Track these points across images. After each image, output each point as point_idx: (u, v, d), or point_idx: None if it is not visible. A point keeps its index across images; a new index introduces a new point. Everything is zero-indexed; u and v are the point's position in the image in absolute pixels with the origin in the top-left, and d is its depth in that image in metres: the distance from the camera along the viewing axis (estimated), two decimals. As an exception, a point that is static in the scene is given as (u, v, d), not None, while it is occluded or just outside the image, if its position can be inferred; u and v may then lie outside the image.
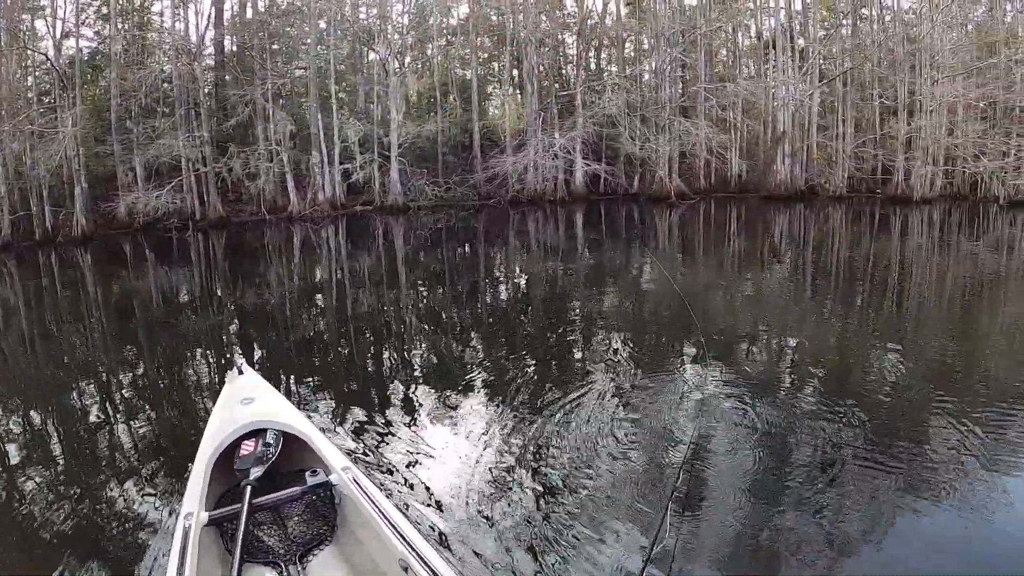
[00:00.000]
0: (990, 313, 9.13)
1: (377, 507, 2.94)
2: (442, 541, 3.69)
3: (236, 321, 10.42)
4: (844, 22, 27.45)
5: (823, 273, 12.55)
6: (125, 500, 4.32)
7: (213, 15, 23.92)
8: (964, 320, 8.81)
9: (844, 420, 5.05)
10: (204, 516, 2.99)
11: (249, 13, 24.23)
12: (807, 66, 26.18)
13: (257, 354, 8.24)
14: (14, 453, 5.34)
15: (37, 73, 22.46)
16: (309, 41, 23.47)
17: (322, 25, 23.59)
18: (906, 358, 6.82)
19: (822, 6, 27.54)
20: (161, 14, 24.22)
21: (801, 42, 26.80)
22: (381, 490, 3.33)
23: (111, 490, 4.48)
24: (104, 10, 23.29)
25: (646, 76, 26.94)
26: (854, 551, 3.55)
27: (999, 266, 12.58)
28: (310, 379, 7.08)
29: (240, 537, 2.83)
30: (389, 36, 24.22)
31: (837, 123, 26.88)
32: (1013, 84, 25.30)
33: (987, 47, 26.30)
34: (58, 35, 21.91)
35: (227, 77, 23.73)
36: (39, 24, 22.25)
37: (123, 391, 7.13)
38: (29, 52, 21.54)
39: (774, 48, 26.61)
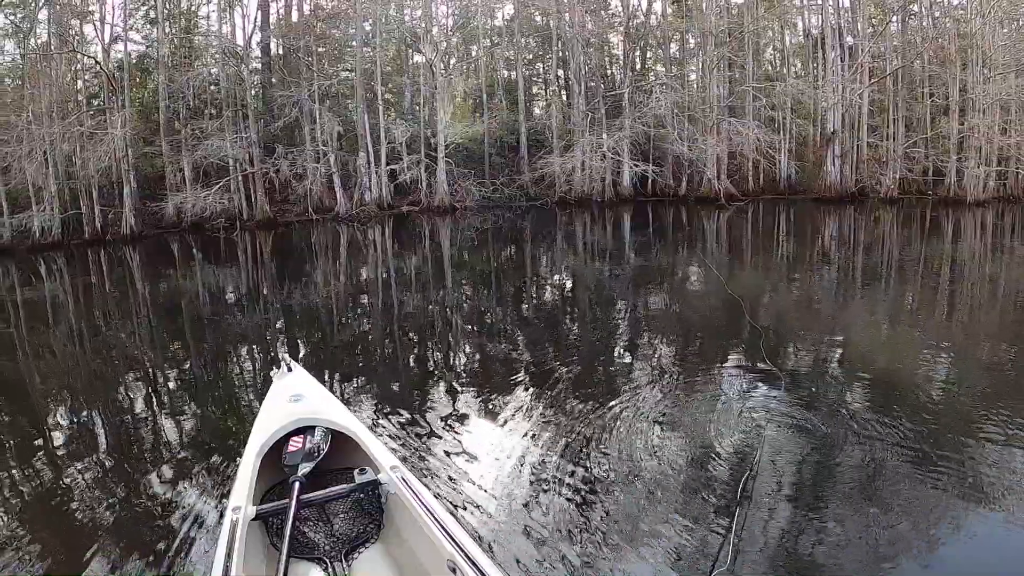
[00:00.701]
0: None
1: (426, 507, 2.89)
2: (490, 544, 3.61)
3: (283, 319, 10.32)
4: (893, 19, 26.98)
5: (879, 279, 12.13)
6: (173, 493, 4.32)
7: (259, 18, 24.05)
8: (1018, 328, 8.39)
9: (901, 430, 4.80)
10: (251, 510, 2.98)
11: (295, 16, 24.29)
12: (856, 64, 25.73)
13: (304, 352, 8.15)
14: (64, 446, 5.33)
15: (87, 76, 22.61)
16: (355, 44, 23.43)
17: (367, 27, 23.56)
18: (960, 366, 6.70)
19: (870, 2, 27.12)
20: (208, 17, 24.44)
21: (850, 40, 26.38)
22: (431, 490, 3.26)
23: (159, 483, 4.48)
24: (152, 14, 23.47)
25: (692, 76, 26.59)
26: (906, 570, 3.42)
27: None
28: (357, 377, 7.01)
29: (287, 532, 2.80)
30: (435, 37, 24.12)
31: (888, 123, 26.33)
32: (1068, 82, 24.72)
33: (1041, 44, 25.75)
34: (107, 39, 22.12)
35: (273, 79, 23.74)
36: (88, 29, 22.54)
37: (171, 387, 7.12)
38: (79, 56, 21.67)
39: (822, 47, 26.22)
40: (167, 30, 23.15)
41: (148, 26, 23.99)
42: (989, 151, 25.08)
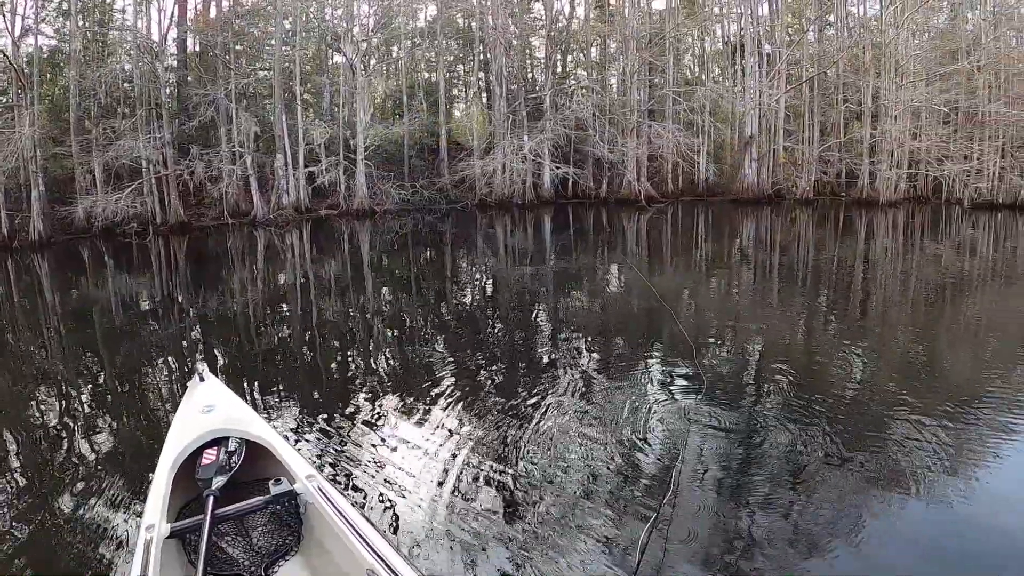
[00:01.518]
0: (953, 313, 9.48)
1: (343, 516, 2.89)
2: (411, 551, 3.61)
3: (198, 328, 10.20)
4: (810, 28, 27.69)
5: (796, 276, 12.74)
6: (84, 513, 4.19)
7: (176, 13, 23.57)
8: (929, 320, 9.08)
9: (822, 421, 5.13)
10: (166, 528, 2.91)
11: (213, 12, 23.86)
12: (774, 71, 26.42)
13: (220, 362, 8.04)
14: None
15: (-7, 72, 21.97)
16: (274, 42, 23.17)
17: (287, 25, 23.30)
18: (876, 358, 7.10)
19: (787, 12, 27.74)
20: (123, 11, 23.85)
21: (767, 48, 27.03)
22: (347, 499, 3.25)
23: (69, 503, 4.35)
24: (65, 6, 22.82)
25: (612, 80, 26.97)
26: (834, 552, 3.60)
27: (963, 268, 13.01)
28: (274, 386, 6.89)
29: (203, 549, 2.76)
30: (355, 36, 23.96)
31: (804, 127, 27.21)
32: (976, 89, 25.78)
33: (950, 53, 26.72)
34: (16, 32, 21.39)
35: (189, 78, 23.34)
36: (-4, 21, 21.76)
37: (82, 401, 6.92)
38: (-15, 50, 21.06)
39: (741, 53, 26.80)
40: (80, 23, 22.59)
41: (61, 19, 23.33)
42: (900, 155, 26.17)
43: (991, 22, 26.37)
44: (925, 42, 26.97)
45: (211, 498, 3.07)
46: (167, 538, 2.89)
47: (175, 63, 23.88)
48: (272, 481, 3.27)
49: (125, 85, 22.28)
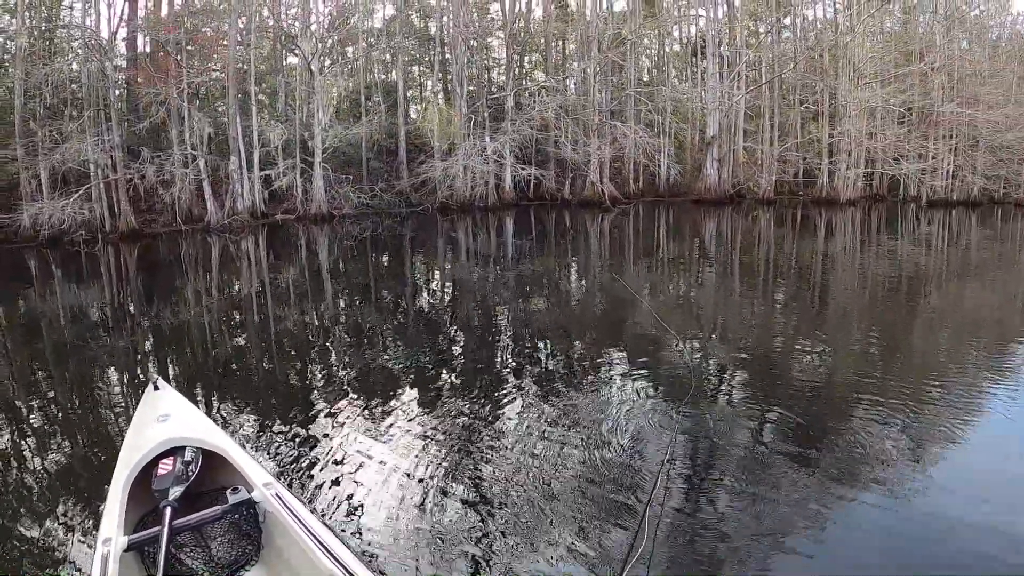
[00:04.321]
0: (912, 306, 9.98)
1: (302, 523, 2.89)
2: (371, 557, 3.59)
3: (152, 338, 9.97)
4: (768, 31, 27.96)
5: (764, 275, 13.09)
6: (39, 530, 4.12)
7: (127, 10, 22.89)
8: (901, 314, 9.52)
9: (801, 419, 5.29)
10: (123, 541, 2.87)
11: (165, 9, 23.22)
12: (733, 73, 26.62)
13: (175, 370, 7.93)
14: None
15: (-67, 71, 21.19)
16: (227, 41, 22.62)
17: (241, 24, 22.78)
18: (842, 353, 7.41)
19: (746, 15, 27.97)
20: (71, 7, 23.07)
21: (726, 50, 27.24)
22: (306, 505, 3.24)
23: (23, 520, 4.27)
24: (11, 2, 22.03)
25: (572, 81, 26.96)
26: (815, 544, 3.66)
27: (918, 262, 13.76)
28: (230, 394, 6.85)
29: (161, 561, 2.74)
30: (313, 33, 23.48)
31: (764, 128, 27.51)
32: (930, 91, 26.33)
33: (904, 55, 27.22)
34: (-44, 30, 20.72)
35: (139, 78, 22.68)
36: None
37: (34, 414, 6.74)
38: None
39: (702, 55, 26.95)
40: (27, 20, 21.82)
41: (6, 16, 22.55)
42: (858, 154, 26.68)
43: (945, 25, 26.91)
44: (880, 44, 27.41)
45: (168, 509, 3.04)
46: (125, 551, 2.84)
47: (124, 62, 23.20)
48: (230, 490, 3.24)
49: (73, 85, 21.59)
